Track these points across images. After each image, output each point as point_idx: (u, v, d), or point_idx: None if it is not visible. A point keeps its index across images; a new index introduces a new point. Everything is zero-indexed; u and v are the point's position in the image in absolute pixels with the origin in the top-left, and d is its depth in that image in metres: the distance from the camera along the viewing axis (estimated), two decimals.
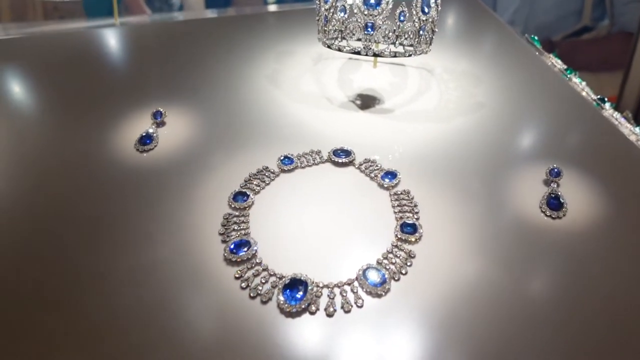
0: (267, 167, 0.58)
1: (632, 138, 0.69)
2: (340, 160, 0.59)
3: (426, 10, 0.60)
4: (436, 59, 0.73)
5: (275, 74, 0.71)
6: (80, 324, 0.44)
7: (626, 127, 0.73)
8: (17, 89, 0.71)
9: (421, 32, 0.61)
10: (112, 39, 0.82)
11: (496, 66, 0.72)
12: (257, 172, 0.57)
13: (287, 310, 0.45)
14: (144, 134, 0.61)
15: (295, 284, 0.47)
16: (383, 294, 0.47)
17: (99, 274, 0.48)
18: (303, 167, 0.58)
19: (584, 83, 0.88)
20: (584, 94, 0.72)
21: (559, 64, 0.82)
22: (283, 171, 0.58)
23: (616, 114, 0.77)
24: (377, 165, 0.58)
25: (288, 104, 0.66)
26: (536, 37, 0.86)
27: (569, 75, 0.77)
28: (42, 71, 0.73)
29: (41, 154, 0.60)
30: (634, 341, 0.45)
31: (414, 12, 0.60)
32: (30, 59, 0.75)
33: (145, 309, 0.45)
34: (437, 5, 0.63)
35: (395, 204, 0.54)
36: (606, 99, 0.75)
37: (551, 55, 0.86)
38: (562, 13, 1.92)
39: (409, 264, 0.49)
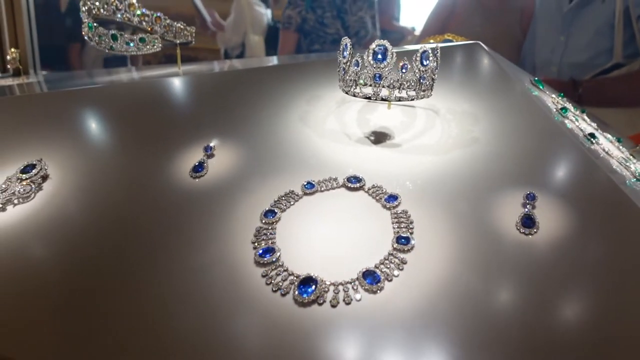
0: (292, 191, 0.70)
1: (616, 168, 0.78)
2: (352, 186, 0.70)
3: (425, 62, 0.72)
4: (442, 101, 0.84)
5: (305, 114, 0.85)
6: (138, 314, 0.58)
7: (615, 160, 0.81)
8: (97, 130, 0.87)
9: (421, 80, 0.73)
10: (175, 86, 0.98)
11: (494, 107, 0.82)
12: (285, 195, 0.70)
13: (301, 301, 0.57)
14: (196, 164, 0.75)
15: (308, 281, 0.58)
16: (378, 291, 0.57)
17: (158, 271, 0.62)
18: (322, 191, 0.70)
19: (586, 120, 0.97)
20: (574, 130, 0.81)
21: (559, 103, 0.91)
22: (305, 194, 0.70)
23: (610, 148, 0.85)
24: (382, 190, 0.69)
25: (314, 139, 0.79)
26: (539, 79, 0.95)
27: (564, 114, 0.86)
28: (117, 114, 0.88)
29: (114, 179, 0.74)
30: (588, 338, 0.54)
31: (414, 65, 0.72)
32: (108, 104, 0.91)
33: (192, 299, 0.58)
34: (437, 58, 0.74)
35: (395, 221, 0.65)
36: (596, 135, 0.83)
37: (554, 95, 0.95)
38: (594, 51, 1.98)
39: (400, 268, 0.60)
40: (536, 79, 0.97)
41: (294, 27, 2.57)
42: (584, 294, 0.58)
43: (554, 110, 0.87)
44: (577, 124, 0.86)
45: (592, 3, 2.00)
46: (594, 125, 0.97)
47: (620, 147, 0.96)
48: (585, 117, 0.98)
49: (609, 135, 0.96)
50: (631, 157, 0.93)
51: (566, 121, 0.85)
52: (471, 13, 2.34)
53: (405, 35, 2.96)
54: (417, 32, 2.75)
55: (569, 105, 0.95)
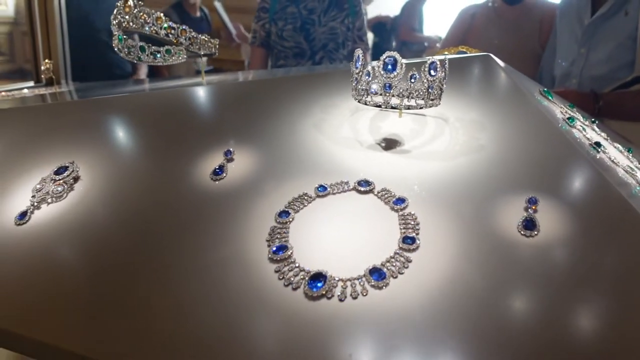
0: (306, 193, 0.74)
1: (623, 177, 0.80)
2: (363, 189, 0.74)
3: (432, 73, 0.76)
4: (452, 110, 0.88)
5: (320, 122, 0.89)
6: (160, 308, 0.63)
7: (621, 168, 0.83)
8: (124, 135, 0.93)
9: (430, 89, 0.77)
10: (198, 95, 1.04)
11: (501, 116, 0.85)
12: (298, 197, 0.74)
13: (310, 295, 0.61)
14: (217, 167, 0.80)
15: (317, 277, 0.62)
16: (384, 287, 0.61)
17: (178, 267, 0.66)
18: (334, 194, 0.74)
19: (595, 130, 0.99)
20: (581, 139, 0.84)
21: (567, 113, 0.94)
22: (318, 196, 0.74)
23: (617, 156, 0.88)
24: (391, 193, 0.73)
25: (328, 145, 0.83)
26: (549, 90, 0.98)
27: (571, 124, 0.89)
28: (143, 121, 0.93)
29: (139, 180, 0.80)
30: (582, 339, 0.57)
31: (423, 75, 0.76)
32: (134, 112, 0.97)
33: (210, 292, 0.63)
34: (445, 68, 0.78)
35: (402, 223, 0.69)
36: (602, 143, 0.86)
37: (562, 106, 0.98)
38: (615, 65, 1.99)
39: (405, 266, 0.63)
40: (545, 89, 1.00)
41: (259, 42, 2.42)
42: (584, 296, 0.60)
43: (562, 120, 0.90)
44: (584, 133, 0.89)
45: (615, 16, 2.01)
46: (604, 135, 0.99)
47: (630, 157, 0.98)
48: (595, 127, 1.01)
49: (618, 145, 0.99)
50: None
51: (573, 130, 0.87)
52: (490, 26, 2.37)
53: (429, 46, 3.00)
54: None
55: (577, 115, 0.97)
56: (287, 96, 0.97)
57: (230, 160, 0.81)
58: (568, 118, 0.90)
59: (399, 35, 3.22)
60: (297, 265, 0.64)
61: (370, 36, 3.30)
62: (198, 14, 2.76)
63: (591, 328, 0.58)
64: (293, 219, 0.71)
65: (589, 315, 0.60)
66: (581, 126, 0.91)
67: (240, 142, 0.85)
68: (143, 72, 2.49)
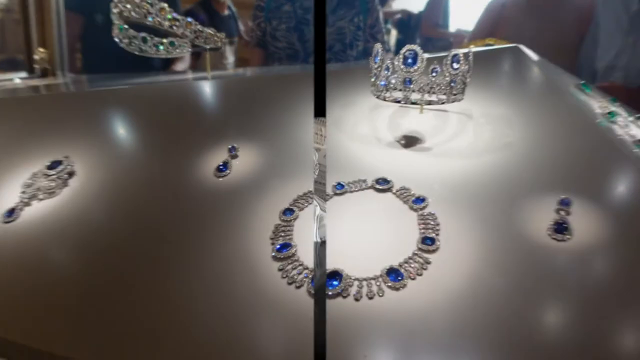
0: (311, 190, 0.75)
1: None
2: (381, 187, 0.76)
3: (455, 65, 0.78)
4: (477, 105, 0.89)
5: (339, 119, 0.91)
6: (157, 308, 0.65)
7: None
8: (124, 130, 0.96)
9: (452, 84, 0.78)
10: (204, 89, 1.06)
11: (531, 111, 0.87)
12: (303, 194, 0.76)
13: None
14: (221, 164, 0.82)
15: (333, 275, 0.64)
16: (400, 288, 0.62)
17: (180, 265, 0.69)
18: (351, 192, 0.76)
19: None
20: (623, 136, 0.85)
21: (607, 108, 0.94)
22: (336, 194, 0.76)
23: None
24: (410, 192, 0.75)
25: (347, 143, 0.85)
26: (587, 84, 0.99)
27: (612, 119, 0.89)
28: (144, 115, 0.96)
29: (140, 177, 0.83)
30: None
31: (445, 68, 0.78)
32: (135, 105, 1.00)
33: (212, 291, 0.65)
34: (468, 61, 0.80)
35: (421, 223, 0.70)
36: None
37: (602, 100, 0.99)
38: None
39: (424, 267, 0.65)
40: (583, 83, 1.01)
41: (255, 42, 2.39)
42: (622, 308, 0.61)
43: (600, 115, 0.91)
44: (627, 130, 0.89)
45: None
46: None
47: None
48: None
49: None
50: None
51: (614, 127, 0.88)
52: (522, 16, 2.35)
53: (456, 42, 3.00)
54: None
55: (619, 110, 0.98)
56: (305, 93, 0.99)
57: (234, 156, 0.84)
58: (608, 113, 0.90)
59: (421, 31, 3.23)
60: (300, 263, 0.66)
61: (393, 33, 3.32)
62: (226, 11, 2.81)
63: (630, 343, 0.59)
64: (297, 216, 0.73)
65: (626, 329, 0.60)
66: (623, 122, 0.91)
67: (244, 138, 0.87)
68: (183, 65, 2.37)
